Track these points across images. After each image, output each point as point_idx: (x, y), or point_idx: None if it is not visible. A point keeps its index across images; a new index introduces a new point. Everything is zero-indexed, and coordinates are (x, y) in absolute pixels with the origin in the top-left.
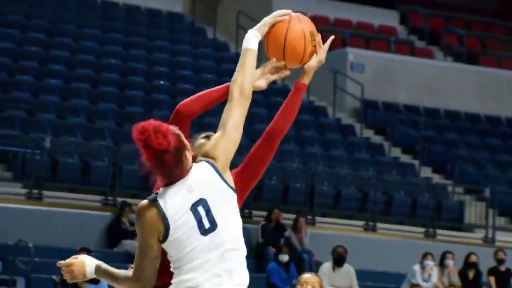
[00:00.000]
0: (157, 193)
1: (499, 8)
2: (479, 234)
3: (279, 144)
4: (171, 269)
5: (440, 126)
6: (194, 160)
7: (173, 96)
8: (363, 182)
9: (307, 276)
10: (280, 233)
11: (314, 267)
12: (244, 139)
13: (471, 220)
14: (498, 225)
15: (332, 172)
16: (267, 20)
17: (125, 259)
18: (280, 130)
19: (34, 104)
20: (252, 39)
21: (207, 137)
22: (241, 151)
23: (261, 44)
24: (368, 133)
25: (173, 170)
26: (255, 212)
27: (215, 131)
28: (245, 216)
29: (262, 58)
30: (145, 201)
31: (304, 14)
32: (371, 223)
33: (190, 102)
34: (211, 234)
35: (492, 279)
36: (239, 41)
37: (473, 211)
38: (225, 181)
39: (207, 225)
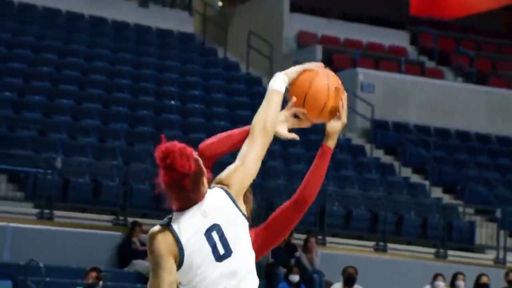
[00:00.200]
0: (170, 218)
1: (508, 29)
2: (490, 255)
3: (288, 164)
4: None
5: (451, 146)
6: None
7: (183, 116)
8: (373, 202)
9: None
10: (291, 253)
11: None
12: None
13: (482, 241)
14: (509, 246)
15: (342, 192)
16: (298, 68)
17: (135, 279)
18: (309, 196)
19: (45, 124)
20: (279, 81)
21: None
22: None
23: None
24: (378, 153)
25: (190, 195)
26: None
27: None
28: None
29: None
30: (157, 226)
31: (315, 35)
32: (381, 244)
33: (212, 145)
34: (226, 261)
35: None
36: (249, 61)
37: (484, 231)
38: (239, 208)
39: (221, 251)
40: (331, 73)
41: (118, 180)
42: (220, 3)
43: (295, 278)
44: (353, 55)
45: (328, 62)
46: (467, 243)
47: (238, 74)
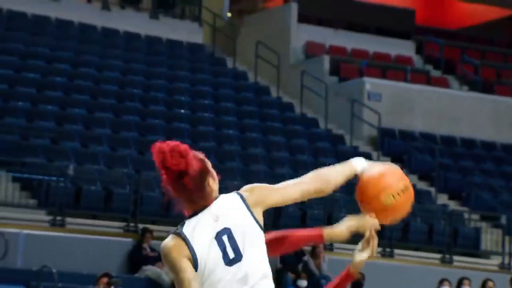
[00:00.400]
0: (182, 225)
1: None
2: (496, 260)
3: (297, 171)
4: None
5: (456, 154)
6: None
7: (193, 125)
8: None
9: None
10: (299, 259)
11: None
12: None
13: (487, 246)
14: None
15: (349, 199)
16: (377, 167)
17: (146, 285)
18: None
19: (58, 133)
20: (360, 162)
21: None
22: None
23: None
24: (385, 161)
25: (194, 195)
26: None
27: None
28: None
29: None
30: (169, 236)
31: (322, 45)
32: (388, 249)
33: (276, 246)
34: (237, 265)
35: None
36: (257, 70)
37: (489, 237)
38: (253, 215)
39: (231, 255)
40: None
41: (129, 188)
42: (229, 14)
43: (303, 283)
44: (360, 65)
45: (336, 71)
46: (473, 248)
47: (246, 84)
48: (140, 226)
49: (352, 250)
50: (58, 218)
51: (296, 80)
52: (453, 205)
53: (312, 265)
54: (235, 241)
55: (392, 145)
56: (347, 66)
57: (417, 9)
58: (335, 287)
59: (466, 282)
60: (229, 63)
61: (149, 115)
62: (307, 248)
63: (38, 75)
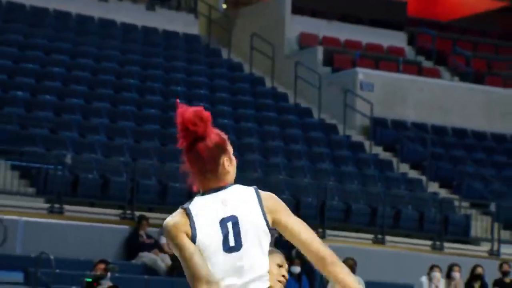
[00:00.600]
0: (191, 201)
1: (504, 30)
2: (485, 247)
3: (291, 160)
4: None
5: (447, 143)
6: None
7: None
8: (372, 197)
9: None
10: (292, 245)
11: (324, 279)
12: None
13: (477, 233)
14: (503, 239)
15: (342, 187)
16: None
17: (142, 271)
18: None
19: (56, 122)
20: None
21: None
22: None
23: None
24: (377, 150)
25: (207, 167)
26: None
27: None
28: None
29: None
30: (176, 211)
31: (316, 36)
32: (380, 236)
33: None
34: (235, 254)
35: None
36: (252, 61)
37: (479, 225)
38: (263, 212)
39: (232, 243)
40: None
41: (125, 176)
42: (224, 6)
43: (297, 269)
44: (353, 56)
45: (329, 62)
46: (463, 235)
47: (241, 74)
48: (137, 213)
49: (345, 237)
50: (56, 205)
51: (290, 70)
52: (443, 193)
53: None
54: (239, 230)
55: (384, 134)
56: (340, 57)
57: (409, 0)
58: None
59: (456, 268)
60: (224, 54)
61: (145, 105)
62: None
63: (37, 66)
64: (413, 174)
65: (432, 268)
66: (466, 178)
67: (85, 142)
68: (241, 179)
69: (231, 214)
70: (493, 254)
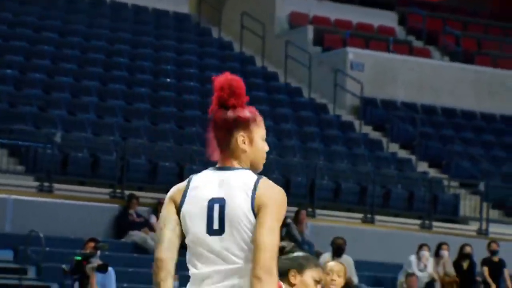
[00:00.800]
0: (202, 171)
1: (495, 10)
2: (473, 226)
3: (281, 140)
4: None
5: (437, 123)
6: None
7: (179, 94)
8: (362, 176)
9: (331, 264)
10: (282, 224)
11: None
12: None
13: (465, 213)
14: (491, 218)
15: (332, 166)
16: None
17: (132, 249)
18: None
19: (45, 100)
20: None
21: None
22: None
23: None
24: (367, 129)
25: (219, 135)
26: None
27: None
28: None
29: None
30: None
31: (306, 16)
32: (369, 216)
33: None
34: (216, 238)
35: (485, 269)
36: (243, 40)
37: (468, 204)
38: (252, 202)
39: (215, 225)
40: None
41: (115, 155)
42: None
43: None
44: (344, 35)
45: (319, 42)
46: (452, 215)
47: (232, 53)
48: (127, 192)
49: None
50: (46, 184)
51: (281, 50)
52: (433, 172)
53: (295, 231)
54: (224, 214)
55: (374, 114)
56: (330, 36)
57: None
58: None
59: (444, 247)
60: (215, 33)
61: (135, 83)
62: (290, 214)
63: (26, 43)
64: (403, 153)
65: (421, 247)
66: (455, 158)
67: (74, 120)
68: None
69: (221, 196)
70: (482, 233)
